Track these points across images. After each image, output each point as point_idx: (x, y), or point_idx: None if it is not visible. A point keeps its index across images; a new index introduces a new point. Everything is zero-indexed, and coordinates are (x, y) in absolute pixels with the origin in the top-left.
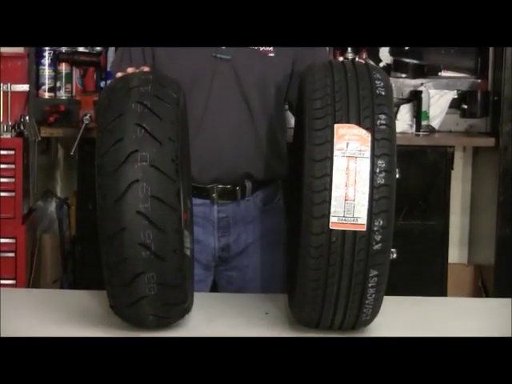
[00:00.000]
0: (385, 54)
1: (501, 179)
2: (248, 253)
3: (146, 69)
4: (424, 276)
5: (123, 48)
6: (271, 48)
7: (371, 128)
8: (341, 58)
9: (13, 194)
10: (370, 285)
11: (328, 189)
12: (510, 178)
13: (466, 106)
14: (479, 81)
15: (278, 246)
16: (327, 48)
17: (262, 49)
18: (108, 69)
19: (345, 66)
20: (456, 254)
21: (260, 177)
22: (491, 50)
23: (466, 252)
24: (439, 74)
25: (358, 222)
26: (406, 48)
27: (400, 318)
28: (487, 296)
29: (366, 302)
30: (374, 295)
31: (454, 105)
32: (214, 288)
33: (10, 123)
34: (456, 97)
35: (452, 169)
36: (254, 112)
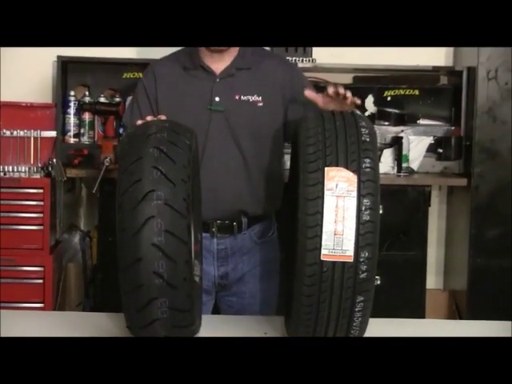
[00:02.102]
0: (370, 105)
1: (472, 215)
2: (245, 280)
3: (163, 117)
4: (404, 300)
5: (132, 102)
6: (260, 98)
7: (357, 170)
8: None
9: (41, 227)
10: (356, 309)
11: (319, 224)
12: (480, 214)
13: (441, 150)
14: (453, 128)
15: (272, 275)
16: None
17: (251, 100)
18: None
19: (334, 116)
20: (433, 280)
21: (254, 214)
22: (463, 100)
23: (441, 279)
24: (418, 122)
25: (346, 254)
26: (389, 99)
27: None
28: (460, 318)
29: (354, 324)
30: (360, 318)
31: (431, 149)
32: (216, 312)
33: (39, 165)
34: (432, 142)
35: (429, 206)
36: (247, 157)
